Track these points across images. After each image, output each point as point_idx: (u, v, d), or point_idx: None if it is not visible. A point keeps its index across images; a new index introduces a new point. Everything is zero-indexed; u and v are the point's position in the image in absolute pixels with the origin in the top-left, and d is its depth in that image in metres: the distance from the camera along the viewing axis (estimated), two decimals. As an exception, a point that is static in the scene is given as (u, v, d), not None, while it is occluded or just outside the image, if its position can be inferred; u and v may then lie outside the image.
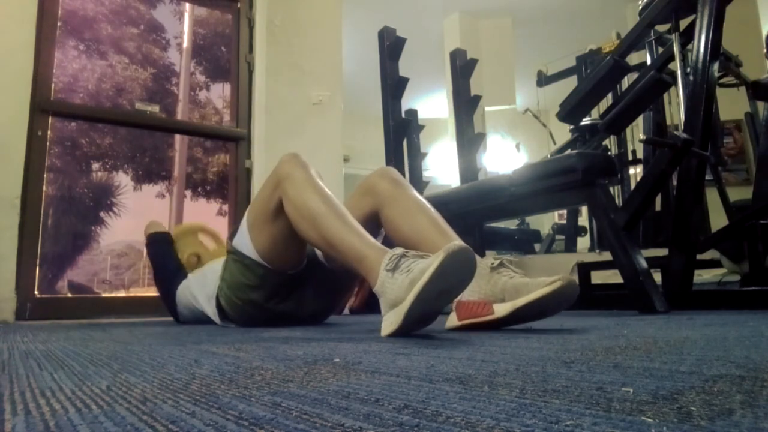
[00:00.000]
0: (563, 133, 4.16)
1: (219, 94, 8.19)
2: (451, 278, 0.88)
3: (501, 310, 1.03)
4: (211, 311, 1.54)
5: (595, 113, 3.02)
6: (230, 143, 3.19)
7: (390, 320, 0.93)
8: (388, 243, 1.29)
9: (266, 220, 1.31)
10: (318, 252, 1.44)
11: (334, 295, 1.57)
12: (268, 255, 1.34)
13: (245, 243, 1.37)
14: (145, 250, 1.85)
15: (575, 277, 1.02)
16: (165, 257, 1.82)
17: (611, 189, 2.58)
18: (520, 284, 1.04)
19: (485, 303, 1.04)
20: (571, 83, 3.60)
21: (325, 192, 1.18)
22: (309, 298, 1.48)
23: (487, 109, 5.01)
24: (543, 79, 4.36)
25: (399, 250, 0.97)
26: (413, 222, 1.23)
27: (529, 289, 1.02)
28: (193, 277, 1.71)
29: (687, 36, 1.96)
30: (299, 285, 1.45)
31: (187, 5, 7.38)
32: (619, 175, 3.47)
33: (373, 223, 1.32)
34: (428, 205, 1.27)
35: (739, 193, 2.97)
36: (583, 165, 1.66)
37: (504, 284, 1.06)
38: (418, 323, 0.95)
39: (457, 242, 0.88)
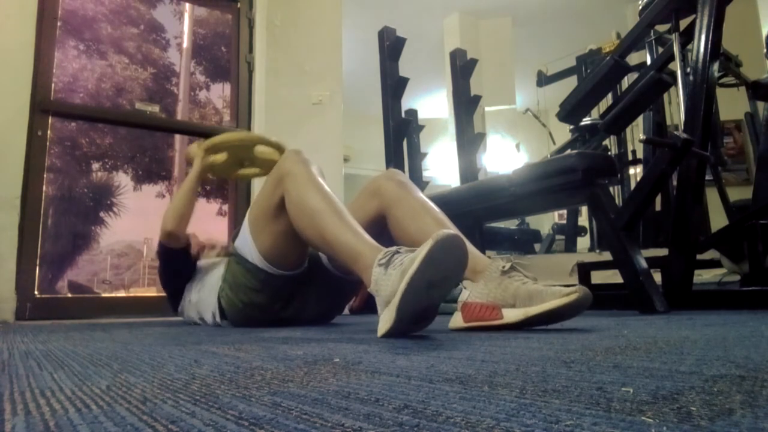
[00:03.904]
0: (563, 133, 4.16)
1: (219, 94, 8.19)
2: (442, 266, 0.87)
3: (511, 316, 1.02)
4: (211, 311, 1.54)
5: (595, 113, 3.02)
6: (230, 143, 3.19)
7: (385, 318, 0.91)
8: (392, 244, 1.29)
9: (268, 218, 1.30)
10: (323, 255, 1.43)
11: (337, 298, 1.56)
12: (270, 254, 1.33)
13: (247, 243, 1.36)
14: (155, 248, 1.67)
15: (588, 292, 1.01)
16: (179, 271, 1.67)
17: (611, 189, 2.58)
18: (533, 291, 1.02)
19: (494, 307, 1.04)
20: (571, 83, 3.60)
21: (325, 190, 1.17)
22: (311, 302, 1.47)
23: (487, 109, 5.01)
24: (543, 79, 4.36)
25: (393, 248, 0.95)
26: (419, 223, 1.22)
27: (543, 297, 1.00)
28: (196, 286, 1.65)
29: (687, 36, 1.96)
30: (301, 289, 1.43)
31: (187, 5, 7.38)
32: (619, 175, 3.47)
33: (379, 226, 1.30)
34: (434, 206, 1.26)
35: (739, 193, 2.98)
36: (583, 165, 1.65)
37: (516, 290, 1.03)
38: (415, 322, 0.94)
39: (447, 230, 0.87)
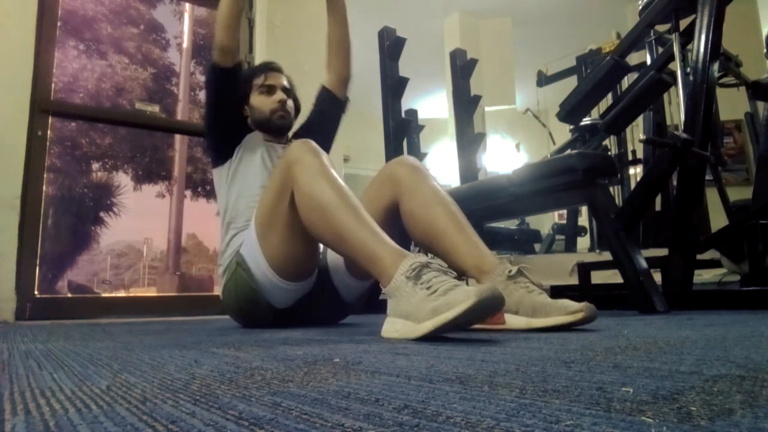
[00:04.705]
0: (563, 133, 4.16)
1: (219, 93, 8.16)
2: (475, 318, 0.86)
3: (514, 323, 1.02)
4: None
5: (595, 113, 3.02)
6: (230, 143, 3.19)
7: (396, 328, 0.90)
8: (405, 234, 1.26)
9: (276, 216, 1.22)
10: (330, 258, 1.39)
11: (340, 313, 1.54)
12: (277, 261, 1.26)
13: (253, 249, 1.29)
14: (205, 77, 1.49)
15: (593, 308, 1.01)
16: (226, 107, 1.55)
17: (611, 189, 2.58)
18: (538, 303, 1.00)
19: None
20: (571, 83, 3.60)
21: (338, 181, 1.09)
22: (314, 315, 1.44)
23: (487, 109, 5.01)
24: (543, 79, 4.37)
25: (422, 258, 0.92)
26: (431, 215, 1.18)
27: (547, 311, 0.99)
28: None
29: (687, 36, 1.96)
30: (304, 304, 1.38)
31: (187, 5, 7.38)
32: (619, 175, 3.47)
33: (394, 214, 1.25)
34: (447, 196, 1.22)
35: (739, 193, 2.97)
36: (583, 165, 1.65)
37: (520, 298, 1.02)
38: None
39: (490, 287, 0.84)
